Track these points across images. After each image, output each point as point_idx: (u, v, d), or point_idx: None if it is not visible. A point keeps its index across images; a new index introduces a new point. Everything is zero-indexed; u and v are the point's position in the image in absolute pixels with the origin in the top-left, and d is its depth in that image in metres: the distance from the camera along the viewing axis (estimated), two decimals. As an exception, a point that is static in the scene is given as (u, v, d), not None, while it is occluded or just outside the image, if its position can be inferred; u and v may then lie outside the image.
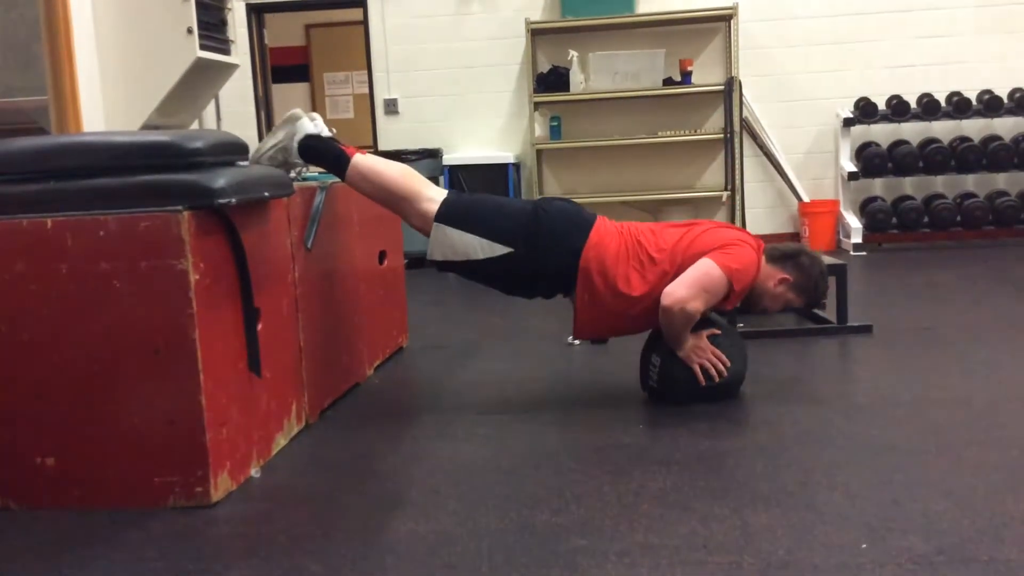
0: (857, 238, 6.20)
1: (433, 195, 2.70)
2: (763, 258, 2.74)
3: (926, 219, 6.18)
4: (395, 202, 2.72)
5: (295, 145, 2.69)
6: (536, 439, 2.47)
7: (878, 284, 4.81)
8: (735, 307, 2.78)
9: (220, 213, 2.11)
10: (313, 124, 2.71)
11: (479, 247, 2.64)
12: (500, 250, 2.63)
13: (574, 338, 2.79)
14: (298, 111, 2.75)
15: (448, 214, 2.66)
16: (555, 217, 2.67)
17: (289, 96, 8.73)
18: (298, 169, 2.80)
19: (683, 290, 2.57)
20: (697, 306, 2.57)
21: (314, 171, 3.01)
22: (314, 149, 2.70)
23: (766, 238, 6.96)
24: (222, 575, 1.74)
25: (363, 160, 2.71)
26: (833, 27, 6.52)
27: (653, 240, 2.69)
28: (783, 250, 2.81)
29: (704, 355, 2.66)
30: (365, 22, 6.85)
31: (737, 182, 6.40)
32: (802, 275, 2.77)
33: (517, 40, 6.68)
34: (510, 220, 2.66)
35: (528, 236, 2.63)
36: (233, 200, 2.07)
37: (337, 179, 2.84)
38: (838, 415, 2.54)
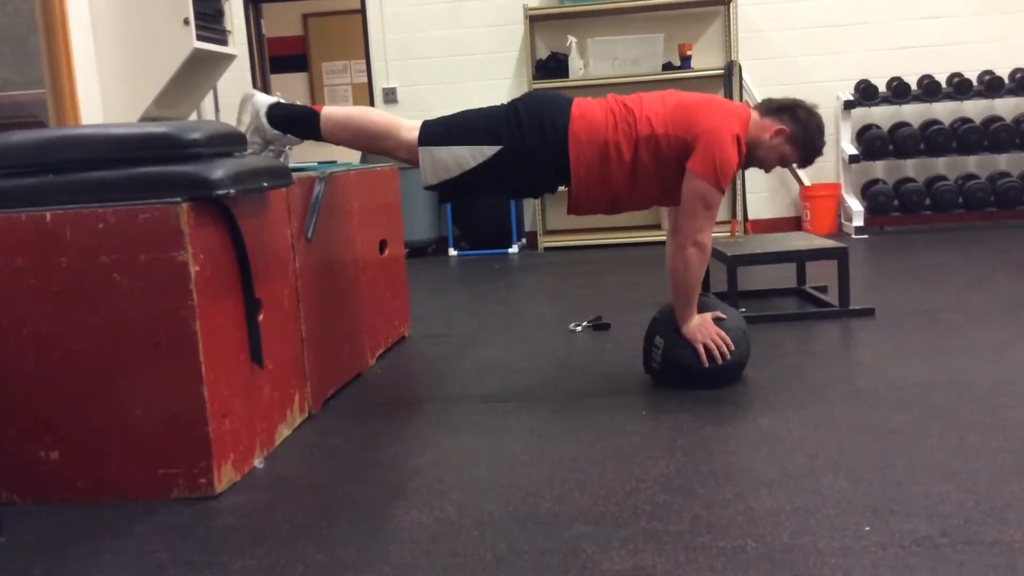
0: (859, 221, 6.18)
1: (411, 124, 2.72)
2: (756, 112, 2.74)
3: (928, 201, 6.16)
4: (376, 140, 2.73)
5: (264, 120, 2.70)
6: (538, 427, 2.47)
7: (880, 267, 4.80)
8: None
9: (219, 204, 2.11)
10: (270, 96, 2.73)
11: (469, 155, 2.63)
12: (490, 151, 2.62)
13: (569, 212, 2.79)
14: (249, 90, 2.78)
15: (430, 135, 2.67)
16: (533, 103, 2.68)
17: (288, 86, 8.71)
18: (281, 145, 2.78)
19: (687, 223, 2.61)
20: (707, 232, 2.62)
21: (311, 162, 3.01)
22: (282, 116, 2.71)
23: (767, 223, 6.96)
24: (227, 566, 1.74)
25: (333, 110, 2.74)
26: (832, 9, 6.49)
27: (639, 106, 2.67)
28: (779, 102, 2.79)
29: (709, 334, 2.67)
30: (363, 11, 6.82)
31: (738, 167, 6.38)
32: (798, 126, 2.74)
33: (515, 27, 6.65)
34: (491, 119, 2.66)
35: (512, 128, 2.63)
36: (232, 191, 2.07)
37: (336, 170, 2.83)
38: (841, 399, 2.54)
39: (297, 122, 2.73)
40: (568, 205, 2.77)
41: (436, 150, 2.65)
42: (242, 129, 2.72)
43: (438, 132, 2.67)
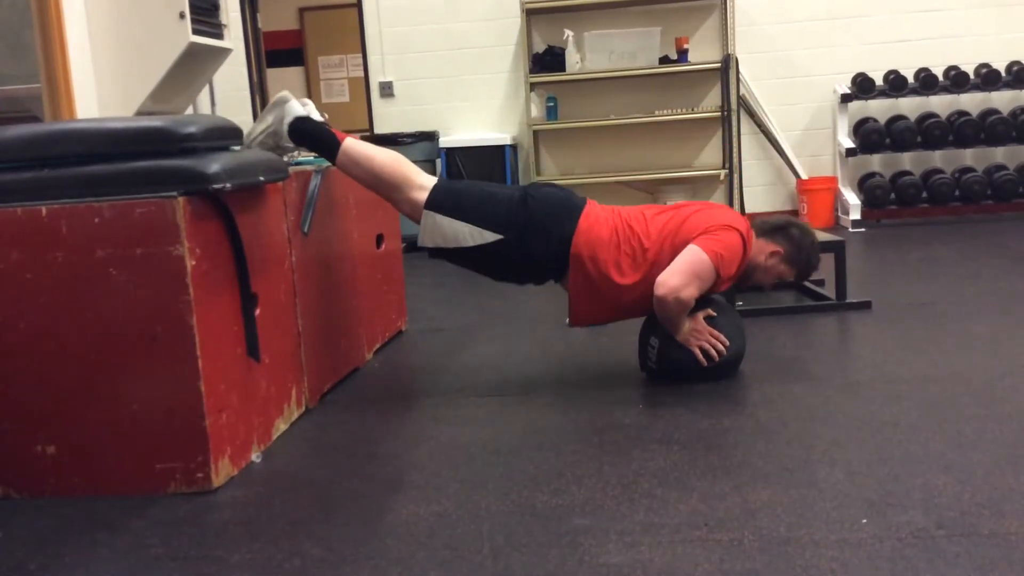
0: (856, 214, 6.18)
1: (423, 182, 2.69)
2: (752, 233, 2.74)
3: (925, 194, 6.17)
4: (385, 189, 2.71)
5: (285, 128, 2.67)
6: (536, 421, 2.47)
7: (877, 260, 4.80)
8: (729, 288, 2.78)
9: (215, 198, 2.10)
10: (303, 107, 2.70)
11: (469, 234, 2.63)
12: (490, 237, 2.62)
13: (571, 325, 2.80)
14: (286, 93, 2.73)
15: (438, 202, 2.65)
16: (544, 203, 2.66)
17: (284, 81, 8.69)
18: (290, 154, 2.79)
19: (675, 279, 2.56)
20: (691, 293, 2.57)
21: (307, 156, 3.00)
22: (304, 132, 2.68)
23: (764, 216, 6.95)
24: (224, 560, 1.74)
25: (354, 145, 2.69)
26: (829, 3, 6.48)
27: (644, 225, 2.67)
28: (772, 223, 2.82)
29: (702, 337, 2.66)
30: (359, 4, 6.81)
31: (735, 160, 6.38)
32: (793, 246, 2.78)
33: (512, 20, 6.64)
34: (500, 207, 2.65)
35: (518, 223, 2.62)
36: (228, 185, 2.06)
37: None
38: (837, 392, 2.54)
39: (316, 144, 2.70)
40: (568, 318, 2.77)
41: (440, 218, 2.64)
42: (260, 126, 2.69)
43: (447, 201, 2.64)
